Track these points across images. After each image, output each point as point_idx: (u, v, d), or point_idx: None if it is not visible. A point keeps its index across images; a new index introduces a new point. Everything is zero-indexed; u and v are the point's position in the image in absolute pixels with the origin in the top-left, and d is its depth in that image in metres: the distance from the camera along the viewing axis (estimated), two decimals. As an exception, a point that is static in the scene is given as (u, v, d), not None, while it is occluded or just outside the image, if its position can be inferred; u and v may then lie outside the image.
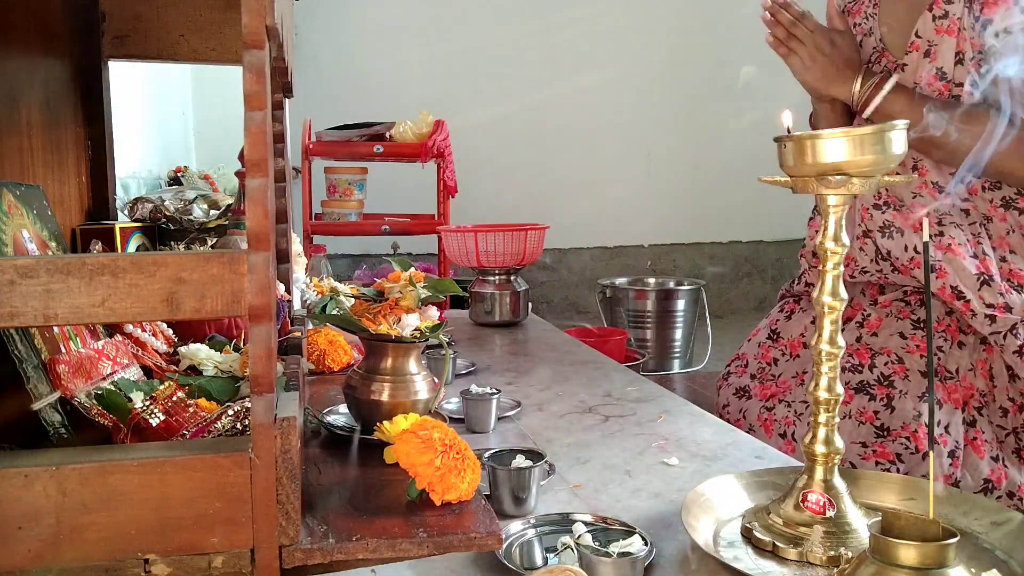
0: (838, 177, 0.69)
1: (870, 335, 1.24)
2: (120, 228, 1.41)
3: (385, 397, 0.89)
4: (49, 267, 0.56)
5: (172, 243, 1.55)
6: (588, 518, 0.77)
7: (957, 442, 1.13)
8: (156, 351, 1.04)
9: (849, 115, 1.32)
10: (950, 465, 1.11)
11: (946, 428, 1.14)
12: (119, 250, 1.38)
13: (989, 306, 1.16)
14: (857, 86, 1.22)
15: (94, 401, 0.79)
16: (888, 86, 1.19)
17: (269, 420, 0.60)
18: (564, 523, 0.77)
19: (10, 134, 1.13)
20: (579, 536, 0.68)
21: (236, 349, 1.05)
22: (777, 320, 1.45)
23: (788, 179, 0.74)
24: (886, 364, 1.19)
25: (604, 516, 0.78)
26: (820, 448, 0.74)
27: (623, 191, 3.83)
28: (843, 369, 1.27)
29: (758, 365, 1.42)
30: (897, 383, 1.17)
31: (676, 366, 3.06)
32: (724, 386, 1.46)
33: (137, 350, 0.99)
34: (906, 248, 1.22)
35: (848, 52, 1.25)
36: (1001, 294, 1.16)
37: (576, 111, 3.76)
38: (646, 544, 0.68)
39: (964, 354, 1.18)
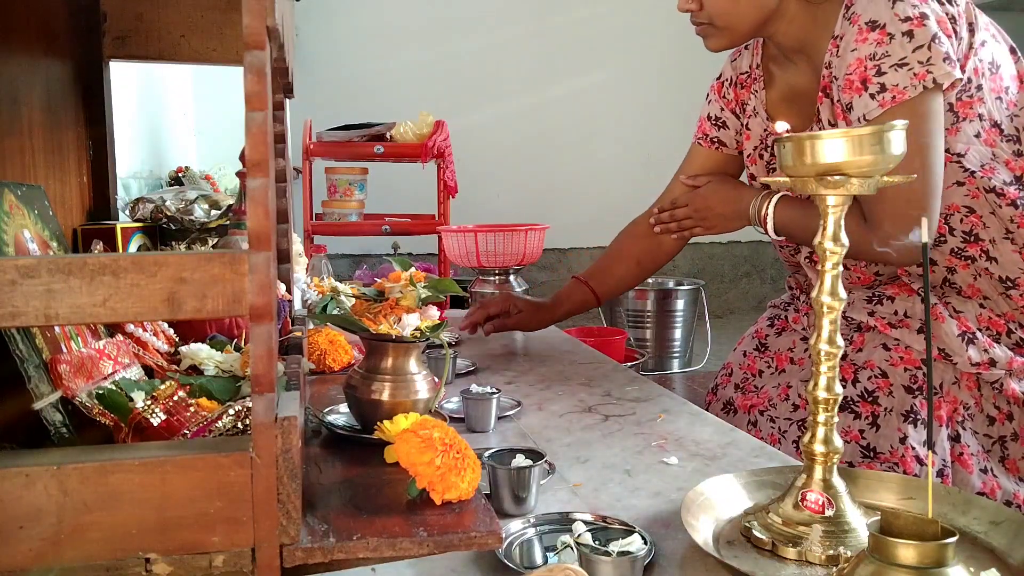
0: (837, 177, 0.70)
1: (855, 351, 1.23)
2: (121, 228, 1.41)
3: (385, 397, 0.89)
4: (50, 267, 0.57)
5: (173, 243, 1.55)
6: (588, 517, 0.77)
7: (944, 460, 1.13)
8: (157, 351, 1.04)
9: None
10: (940, 484, 1.11)
11: (932, 448, 1.13)
12: (120, 250, 1.38)
13: (975, 364, 1.16)
14: (751, 212, 1.31)
15: (95, 401, 0.79)
16: (773, 202, 1.26)
17: (270, 419, 0.60)
18: (564, 522, 0.77)
19: (11, 135, 1.13)
20: (579, 535, 0.68)
21: (237, 349, 1.06)
22: (767, 334, 1.45)
23: (787, 179, 0.74)
24: (869, 379, 1.18)
25: (604, 515, 0.78)
26: (819, 448, 0.74)
27: (623, 191, 3.83)
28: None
29: (742, 375, 1.43)
30: (881, 399, 1.16)
31: (675, 366, 3.06)
32: (713, 401, 1.47)
33: (138, 350, 0.99)
34: None
35: (720, 197, 1.39)
36: (985, 350, 1.15)
37: (576, 112, 3.76)
38: (645, 543, 0.68)
39: (949, 367, 1.17)
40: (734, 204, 1.36)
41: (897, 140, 0.69)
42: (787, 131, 0.75)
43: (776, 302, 1.52)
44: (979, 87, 1.16)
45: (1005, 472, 1.15)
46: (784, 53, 1.32)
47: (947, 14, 1.12)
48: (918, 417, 1.13)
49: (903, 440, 1.12)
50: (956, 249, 1.19)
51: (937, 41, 1.09)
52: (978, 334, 1.16)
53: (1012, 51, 1.22)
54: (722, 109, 1.48)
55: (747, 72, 1.43)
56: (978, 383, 1.17)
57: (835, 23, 1.20)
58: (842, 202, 0.72)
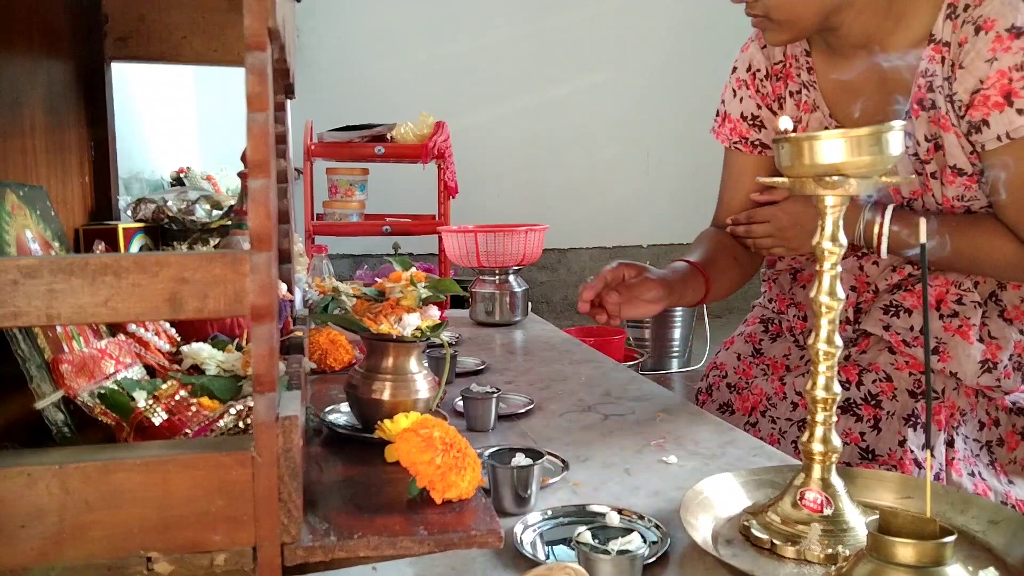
0: (836, 178, 0.70)
1: (859, 353, 1.22)
2: (123, 228, 1.42)
3: (386, 396, 0.89)
4: (52, 267, 0.57)
5: (175, 243, 1.56)
6: (606, 509, 0.77)
7: (940, 464, 1.12)
8: (159, 350, 1.04)
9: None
10: (938, 483, 1.10)
11: (931, 451, 1.12)
12: (122, 250, 1.39)
13: (983, 387, 1.15)
14: (857, 229, 1.18)
15: (97, 400, 0.80)
16: (887, 223, 1.14)
17: (271, 419, 0.60)
18: (581, 515, 0.78)
19: (13, 135, 1.13)
20: (579, 534, 0.68)
21: (238, 348, 1.06)
22: (761, 339, 1.43)
23: (786, 179, 0.74)
24: (874, 382, 1.16)
25: (619, 507, 0.78)
26: (818, 447, 0.75)
27: (623, 191, 3.84)
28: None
29: (737, 378, 1.40)
30: (884, 403, 1.14)
31: (675, 365, 3.06)
32: (708, 401, 1.44)
33: (140, 349, 0.99)
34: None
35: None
36: (998, 379, 1.12)
37: (576, 112, 3.76)
38: (651, 540, 0.68)
39: (953, 378, 1.16)
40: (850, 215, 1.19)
41: (895, 140, 0.69)
42: (786, 130, 0.75)
43: (762, 301, 1.48)
44: None
45: (994, 475, 1.15)
46: (837, 47, 1.19)
47: None
48: (919, 420, 1.11)
49: (902, 443, 1.11)
50: None
51: None
52: (1003, 363, 1.13)
53: None
54: (759, 107, 1.32)
55: (782, 61, 1.28)
56: (976, 391, 1.17)
57: (927, 21, 1.09)
58: (841, 202, 0.72)
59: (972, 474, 1.13)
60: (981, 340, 1.14)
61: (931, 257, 1.15)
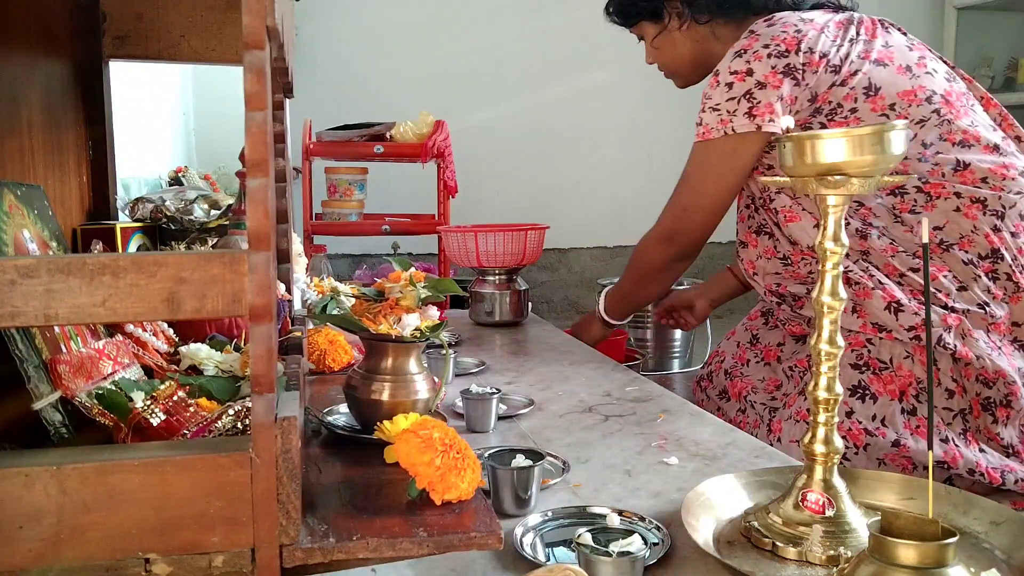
0: (837, 177, 0.70)
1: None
2: (121, 228, 1.41)
3: (385, 397, 0.89)
4: (50, 267, 0.57)
5: (173, 243, 1.55)
6: (607, 511, 0.77)
7: (898, 432, 1.16)
8: (157, 351, 1.04)
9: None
10: (941, 484, 1.12)
11: (883, 421, 1.17)
12: (120, 250, 1.38)
13: (911, 329, 1.18)
14: (597, 313, 1.67)
15: (95, 401, 0.79)
16: (602, 297, 1.66)
17: (270, 420, 0.60)
18: (582, 516, 0.78)
19: (11, 134, 1.13)
20: (579, 535, 0.68)
21: (237, 349, 1.06)
22: (758, 329, 1.51)
23: (787, 179, 0.74)
24: None
25: (620, 509, 0.78)
26: (819, 448, 0.74)
27: (623, 191, 3.83)
28: (788, 378, 1.36)
29: (733, 363, 1.49)
30: None
31: (676, 366, 3.06)
32: (709, 387, 1.53)
33: (138, 350, 0.99)
34: None
35: (582, 326, 1.74)
36: (916, 313, 1.19)
37: (577, 112, 3.76)
38: (652, 543, 0.68)
39: (898, 344, 1.20)
40: (589, 321, 1.70)
41: (897, 140, 0.69)
42: (786, 130, 0.74)
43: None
44: (853, 110, 1.25)
45: (966, 444, 1.18)
46: None
47: (787, 66, 1.25)
48: (866, 392, 1.19)
49: (850, 414, 1.17)
50: (859, 230, 1.26)
51: (749, 97, 1.25)
52: (903, 301, 1.20)
53: (907, 69, 1.28)
54: None
55: None
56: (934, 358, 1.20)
57: None
58: (842, 202, 0.72)
59: (945, 440, 1.17)
60: (875, 288, 1.23)
61: (618, 311, 1.64)
